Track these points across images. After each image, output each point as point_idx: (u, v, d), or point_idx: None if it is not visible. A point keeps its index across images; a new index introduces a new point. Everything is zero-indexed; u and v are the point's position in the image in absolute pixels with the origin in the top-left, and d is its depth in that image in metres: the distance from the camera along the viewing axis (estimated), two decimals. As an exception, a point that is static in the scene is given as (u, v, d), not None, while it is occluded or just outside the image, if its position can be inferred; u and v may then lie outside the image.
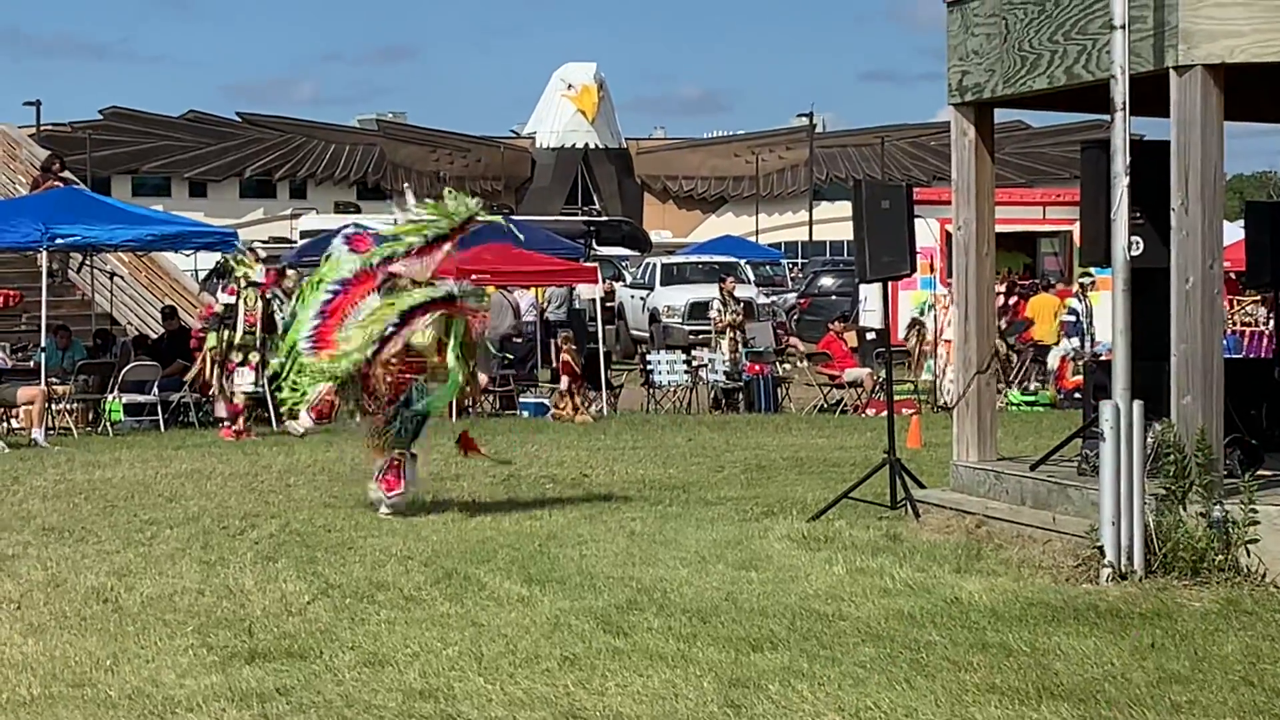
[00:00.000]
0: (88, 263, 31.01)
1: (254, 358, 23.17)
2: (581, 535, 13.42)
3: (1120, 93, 11.49)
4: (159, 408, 24.53)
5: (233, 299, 23.41)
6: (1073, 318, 29.52)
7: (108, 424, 24.06)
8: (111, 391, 24.40)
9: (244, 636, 9.83)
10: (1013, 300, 33.89)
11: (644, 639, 9.65)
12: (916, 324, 30.96)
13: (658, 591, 11.00)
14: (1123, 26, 11.51)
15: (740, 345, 30.15)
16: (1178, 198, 11.61)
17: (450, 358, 14.58)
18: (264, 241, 62.04)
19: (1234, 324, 33.32)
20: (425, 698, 8.48)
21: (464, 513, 14.70)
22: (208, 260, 38.44)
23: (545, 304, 34.31)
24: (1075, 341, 28.81)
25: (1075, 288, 30.75)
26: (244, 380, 23.13)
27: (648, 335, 43.36)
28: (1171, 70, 11.63)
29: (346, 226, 15.75)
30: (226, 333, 23.31)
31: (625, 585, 11.22)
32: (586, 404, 27.14)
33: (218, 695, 8.53)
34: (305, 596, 10.99)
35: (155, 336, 28.30)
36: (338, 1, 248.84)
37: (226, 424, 23.00)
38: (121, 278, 32.35)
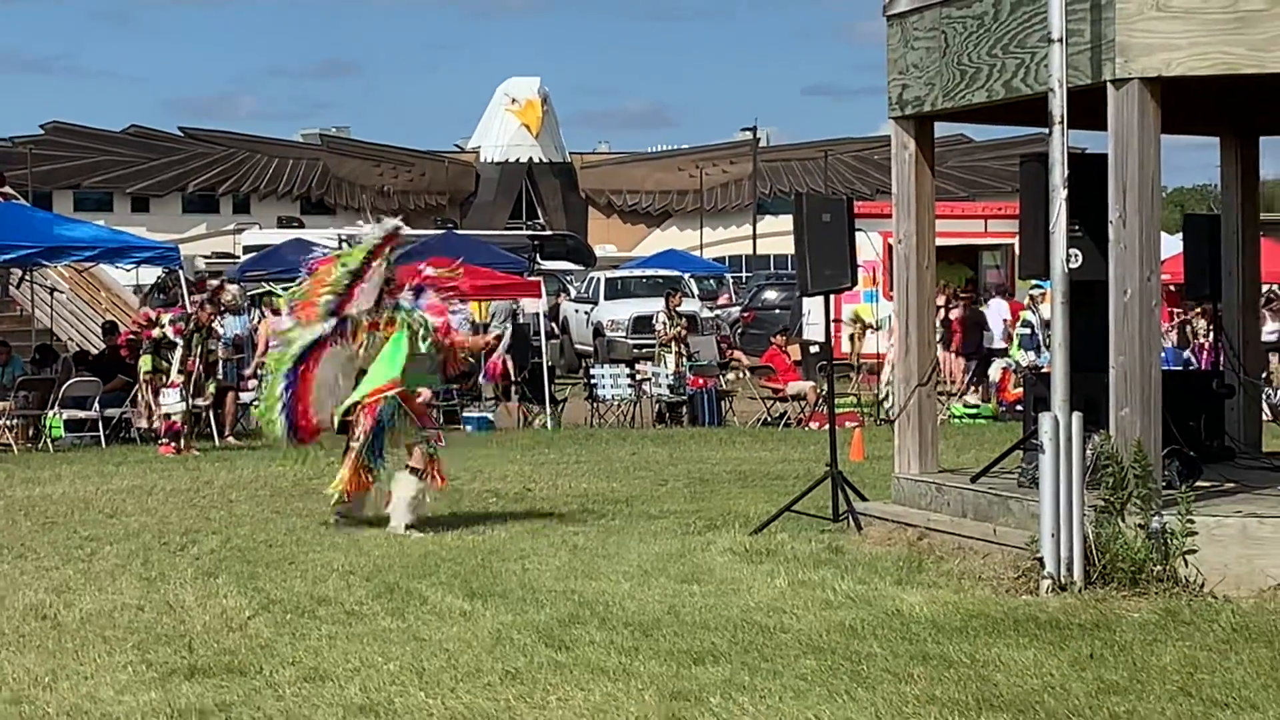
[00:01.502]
0: (27, 278, 30.88)
1: (178, 378, 23.03)
2: (524, 549, 13.41)
3: (1058, 106, 11.55)
4: (100, 423, 24.42)
5: (178, 339, 23.16)
6: (1028, 330, 29.59)
7: (48, 440, 23.93)
8: (52, 407, 24.29)
9: (184, 652, 9.79)
10: (954, 313, 34.04)
11: (585, 653, 9.65)
12: (857, 320, 31.02)
13: (600, 605, 11.00)
14: (1060, 40, 11.56)
15: (684, 359, 30.18)
16: (1115, 210, 11.68)
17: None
18: (206, 257, 61.96)
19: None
20: (366, 713, 8.45)
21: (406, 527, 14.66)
22: (149, 275, 38.38)
23: (489, 319, 34.27)
24: (1032, 355, 28.80)
25: (1026, 300, 30.87)
26: (169, 400, 22.97)
27: (592, 349, 43.40)
28: (1109, 83, 11.69)
29: (310, 253, 15.72)
30: (163, 362, 23.14)
31: (567, 599, 11.22)
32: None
33: (157, 712, 8.49)
34: (246, 612, 10.95)
35: (96, 352, 28.19)
36: (280, 17, 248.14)
37: (166, 440, 22.89)
38: (62, 293, 32.22)
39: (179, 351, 23.05)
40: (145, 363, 23.20)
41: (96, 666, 9.48)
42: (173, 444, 22.72)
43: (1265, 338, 31.42)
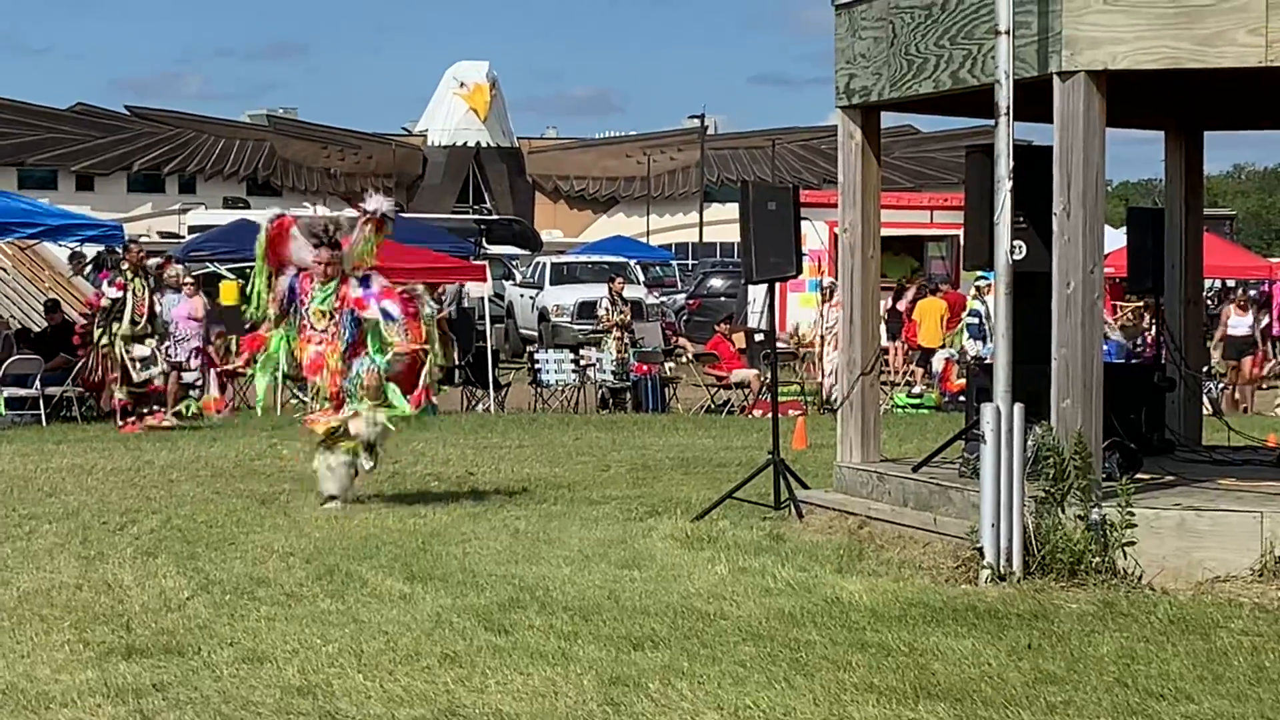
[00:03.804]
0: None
1: (150, 344, 23.10)
2: (465, 533, 13.40)
3: (1004, 98, 11.58)
4: (41, 402, 24.29)
5: (120, 293, 23.13)
6: (975, 319, 29.68)
7: (-12, 418, 23.80)
8: (-8, 385, 24.14)
9: (122, 632, 9.75)
10: (902, 304, 34.14)
11: (525, 637, 9.65)
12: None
13: (540, 590, 10.99)
14: (1007, 32, 11.59)
15: (627, 345, 30.16)
16: (1059, 203, 11.72)
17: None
18: (147, 239, 61.64)
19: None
20: (303, 694, 8.43)
21: (347, 509, 14.64)
22: (90, 253, 38.10)
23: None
24: (979, 344, 28.82)
25: (973, 291, 30.95)
26: (143, 359, 23.02)
27: (537, 334, 43.38)
28: (1055, 76, 11.73)
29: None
30: (115, 325, 23.07)
31: (507, 583, 11.21)
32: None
33: (93, 691, 8.45)
34: (185, 592, 10.92)
35: (38, 330, 28.03)
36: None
37: (132, 419, 22.84)
38: (4, 270, 32.03)
39: (128, 302, 22.97)
40: (103, 336, 23.06)
41: (33, 645, 9.44)
42: (161, 411, 22.77)
43: (1233, 331, 31.68)
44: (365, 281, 15.05)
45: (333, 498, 14.85)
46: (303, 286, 15.03)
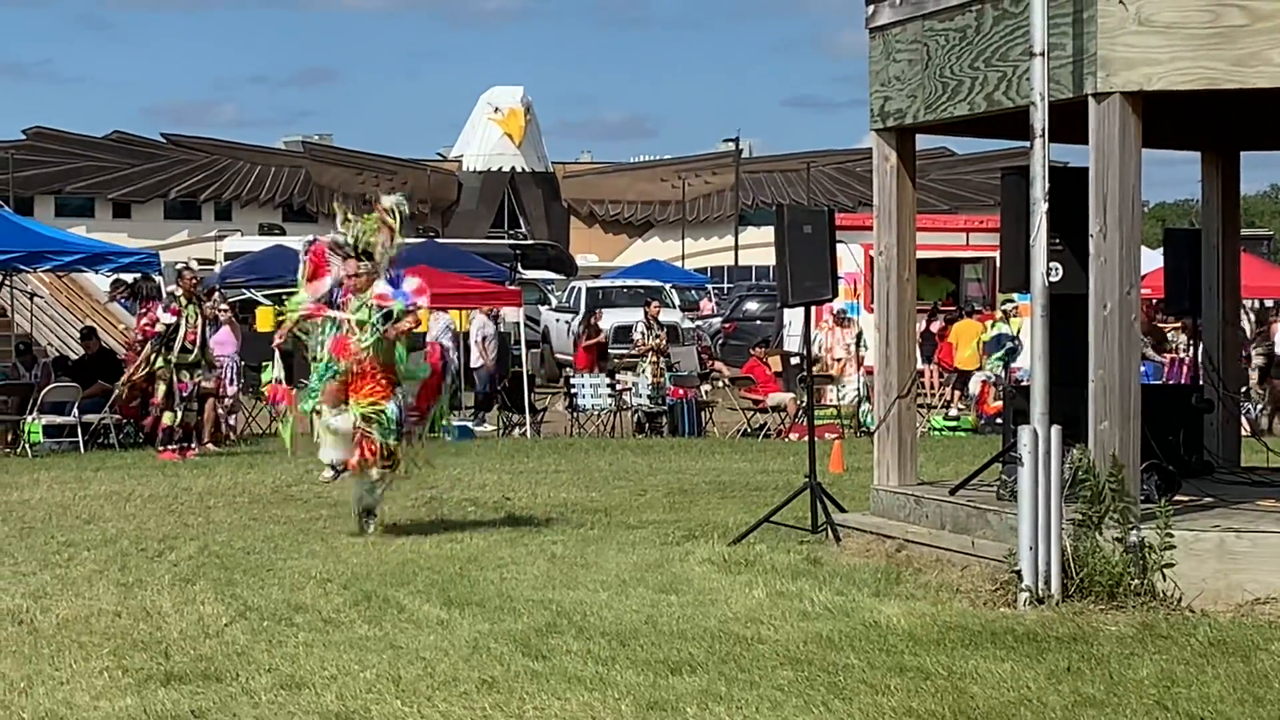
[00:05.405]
0: (7, 283, 30.81)
1: (199, 375, 23.34)
2: (502, 558, 13.40)
3: (1039, 119, 11.56)
4: (79, 429, 24.37)
5: (175, 319, 23.21)
6: (993, 340, 29.67)
7: (26, 445, 23.88)
8: (31, 413, 24.23)
9: (160, 659, 9.77)
10: (936, 326, 34.11)
11: (563, 662, 9.64)
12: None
13: (577, 614, 10.98)
14: (1042, 54, 11.57)
15: (663, 369, 30.16)
16: (1096, 224, 11.68)
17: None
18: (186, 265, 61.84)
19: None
20: (341, 720, 8.46)
21: (384, 535, 14.67)
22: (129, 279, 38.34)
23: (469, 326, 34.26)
24: (1014, 360, 28.68)
25: (999, 314, 30.91)
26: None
27: (572, 359, 43.41)
28: (1090, 97, 11.70)
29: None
30: (169, 351, 23.17)
31: (545, 608, 11.20)
32: None
33: (133, 717, 8.47)
34: (223, 619, 10.93)
35: (76, 357, 28.13)
36: (260, 24, 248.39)
37: (174, 446, 22.92)
38: (42, 298, 32.17)
39: (181, 328, 23.11)
40: (159, 361, 23.15)
41: (72, 672, 9.46)
42: (192, 448, 22.95)
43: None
44: (395, 282, 14.96)
45: (333, 468, 14.80)
46: (344, 298, 14.98)
